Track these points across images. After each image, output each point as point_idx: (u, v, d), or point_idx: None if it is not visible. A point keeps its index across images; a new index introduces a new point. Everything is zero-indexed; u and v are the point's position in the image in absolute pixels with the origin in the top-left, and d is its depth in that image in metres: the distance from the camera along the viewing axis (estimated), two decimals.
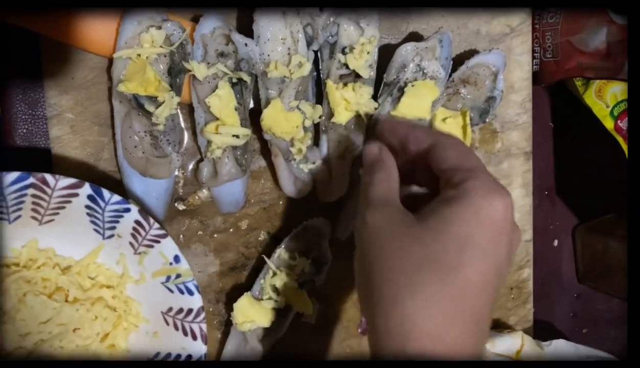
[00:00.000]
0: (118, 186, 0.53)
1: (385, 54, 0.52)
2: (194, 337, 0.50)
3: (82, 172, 0.53)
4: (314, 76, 0.53)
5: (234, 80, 0.50)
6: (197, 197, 0.55)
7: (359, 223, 0.39)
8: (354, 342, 0.59)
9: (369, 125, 0.53)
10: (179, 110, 0.53)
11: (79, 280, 0.51)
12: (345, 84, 0.52)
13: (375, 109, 0.53)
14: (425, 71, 0.52)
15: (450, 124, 0.54)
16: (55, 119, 0.53)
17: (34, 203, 0.47)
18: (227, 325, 0.56)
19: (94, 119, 0.53)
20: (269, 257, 0.53)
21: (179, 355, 0.51)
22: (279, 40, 0.50)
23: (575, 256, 0.66)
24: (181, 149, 0.54)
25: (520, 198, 0.60)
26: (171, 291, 0.51)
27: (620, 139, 0.59)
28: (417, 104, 0.52)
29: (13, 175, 0.45)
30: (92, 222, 0.49)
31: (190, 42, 0.50)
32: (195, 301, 0.50)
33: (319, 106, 0.53)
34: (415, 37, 0.56)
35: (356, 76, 0.52)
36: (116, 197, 0.47)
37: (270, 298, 0.52)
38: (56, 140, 0.53)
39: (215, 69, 0.49)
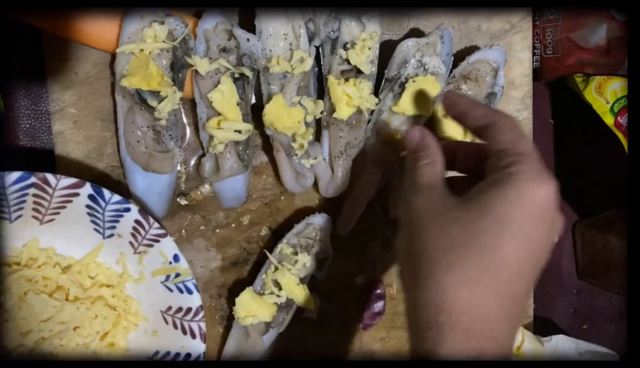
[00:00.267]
0: (121, 181, 0.54)
1: (387, 49, 0.53)
2: (193, 336, 0.50)
3: (85, 167, 0.53)
4: (316, 72, 0.54)
5: (236, 76, 0.50)
6: (199, 192, 0.56)
7: (405, 206, 0.41)
8: (355, 338, 0.59)
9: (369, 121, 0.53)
10: (181, 105, 0.53)
11: (79, 279, 0.52)
12: (346, 80, 0.52)
13: (376, 104, 0.53)
14: (426, 67, 0.52)
15: (451, 120, 0.54)
16: (58, 114, 0.53)
17: (35, 202, 0.47)
18: (229, 319, 0.56)
19: (97, 114, 0.53)
20: (270, 252, 0.53)
21: (178, 354, 0.51)
22: (280, 35, 0.50)
23: (575, 252, 0.67)
24: (183, 144, 0.54)
25: None
26: (170, 290, 0.51)
27: (620, 135, 0.59)
28: (418, 99, 0.52)
29: (15, 175, 0.45)
30: (93, 221, 0.49)
31: (193, 37, 0.50)
32: (195, 300, 0.50)
33: (320, 101, 0.53)
34: (416, 33, 0.56)
35: (357, 72, 0.52)
36: (116, 197, 0.47)
37: (271, 293, 0.53)
38: (59, 135, 0.53)
39: (217, 64, 0.50)
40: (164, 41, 0.49)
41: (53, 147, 0.53)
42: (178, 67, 0.50)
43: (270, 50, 0.50)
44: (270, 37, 0.50)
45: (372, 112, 0.54)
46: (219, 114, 0.50)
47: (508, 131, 0.40)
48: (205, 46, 0.50)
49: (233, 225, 0.56)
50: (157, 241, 0.49)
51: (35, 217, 0.49)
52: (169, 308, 0.51)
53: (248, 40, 0.50)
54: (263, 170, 0.57)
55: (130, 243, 0.50)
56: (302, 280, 0.53)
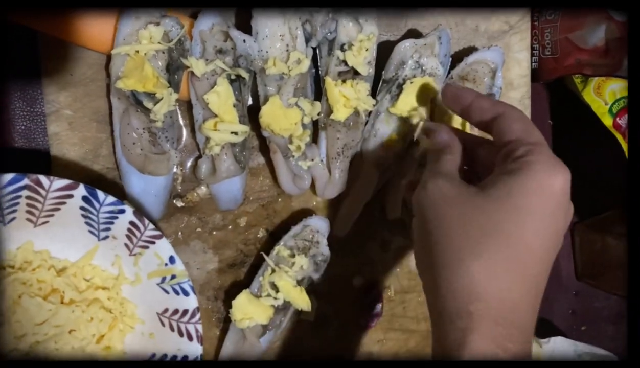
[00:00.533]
0: (116, 183, 0.53)
1: (384, 50, 0.52)
2: (190, 338, 0.50)
3: (81, 169, 0.53)
4: (313, 73, 0.53)
5: (233, 77, 0.50)
6: (195, 194, 0.55)
7: (421, 192, 0.41)
8: (353, 339, 0.59)
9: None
10: (177, 107, 0.53)
11: (75, 281, 0.51)
12: (344, 81, 0.52)
13: (374, 105, 0.53)
14: (424, 68, 0.52)
15: (449, 121, 0.54)
16: (54, 115, 0.52)
17: (28, 204, 0.47)
18: (226, 322, 0.56)
19: (93, 115, 0.53)
20: (267, 254, 0.53)
21: (175, 356, 0.51)
22: (277, 36, 0.50)
23: (574, 253, 0.66)
24: (179, 146, 0.54)
25: None
26: (167, 292, 0.51)
27: (619, 136, 0.59)
28: (415, 101, 0.52)
29: (7, 177, 0.45)
30: (87, 223, 0.49)
31: (189, 39, 0.50)
32: (191, 302, 0.50)
33: (317, 103, 0.52)
34: (414, 34, 0.56)
35: (355, 73, 0.52)
36: (111, 198, 0.47)
37: (268, 296, 0.52)
38: (54, 136, 0.53)
39: (213, 65, 0.49)
40: (159, 42, 0.48)
41: (48, 149, 0.53)
42: (174, 69, 0.50)
43: (267, 52, 0.50)
44: (267, 38, 0.50)
45: (369, 113, 0.53)
46: (216, 116, 0.50)
47: (519, 121, 0.41)
48: (201, 47, 0.50)
49: (230, 227, 0.56)
50: (153, 243, 0.49)
51: (29, 220, 0.48)
52: (166, 310, 0.51)
53: (244, 41, 0.49)
54: (260, 172, 0.56)
55: (126, 245, 0.50)
56: (299, 282, 0.53)
